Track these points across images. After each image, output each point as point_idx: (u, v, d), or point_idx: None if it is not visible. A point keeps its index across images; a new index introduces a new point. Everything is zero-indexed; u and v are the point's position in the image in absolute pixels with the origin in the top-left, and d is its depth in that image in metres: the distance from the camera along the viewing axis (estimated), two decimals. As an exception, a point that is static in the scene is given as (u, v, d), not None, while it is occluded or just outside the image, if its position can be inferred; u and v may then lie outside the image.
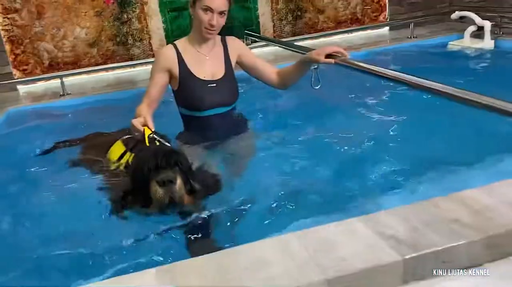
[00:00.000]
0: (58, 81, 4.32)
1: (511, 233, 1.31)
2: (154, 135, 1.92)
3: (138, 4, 4.96)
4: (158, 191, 1.59)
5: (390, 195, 1.72)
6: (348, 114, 2.63)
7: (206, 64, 2.33)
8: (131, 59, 5.05)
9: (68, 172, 2.28)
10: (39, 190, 2.21)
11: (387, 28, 5.63)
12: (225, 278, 1.25)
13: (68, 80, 4.41)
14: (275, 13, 5.40)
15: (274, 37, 5.37)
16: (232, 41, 2.44)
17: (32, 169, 2.48)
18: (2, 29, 4.69)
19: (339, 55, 2.15)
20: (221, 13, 2.18)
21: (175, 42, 2.36)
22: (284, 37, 5.38)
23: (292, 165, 2.06)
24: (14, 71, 4.82)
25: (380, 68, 2.09)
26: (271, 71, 2.42)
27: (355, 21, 5.69)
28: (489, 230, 1.31)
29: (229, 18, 2.31)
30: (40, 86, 4.74)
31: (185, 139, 2.36)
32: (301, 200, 1.71)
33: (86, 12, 4.86)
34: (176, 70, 2.29)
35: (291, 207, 1.65)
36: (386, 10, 5.71)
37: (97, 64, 4.96)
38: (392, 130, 2.32)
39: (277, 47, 4.66)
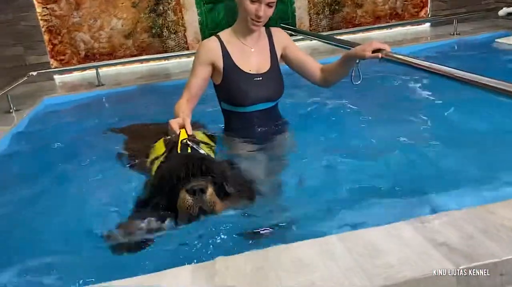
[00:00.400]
0: (93, 71, 4.35)
1: None
2: (188, 141, 1.81)
3: (174, -4, 4.95)
4: (187, 200, 1.49)
5: (437, 198, 1.61)
6: (392, 112, 2.51)
7: (252, 56, 2.23)
8: (166, 51, 5.05)
9: (105, 164, 2.26)
10: (72, 181, 2.21)
11: (428, 24, 5.42)
12: (264, 279, 1.18)
13: (103, 71, 4.44)
14: (312, 7, 5.29)
15: (310, 31, 5.25)
16: (277, 32, 2.34)
17: (67, 159, 2.48)
18: (41, 19, 4.76)
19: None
20: (269, 4, 2.08)
21: (218, 34, 2.26)
22: (321, 32, 5.26)
23: (333, 164, 1.96)
24: (52, 61, 4.89)
25: (428, 62, 1.98)
26: (315, 67, 2.30)
27: (395, 16, 5.51)
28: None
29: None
30: (76, 76, 4.80)
31: (226, 137, 2.29)
32: (343, 200, 1.61)
33: (123, 3, 4.88)
34: (220, 63, 2.19)
35: (332, 208, 1.56)
36: (427, 5, 5.51)
37: (132, 56, 4.97)
38: (441, 129, 2.20)
39: (314, 42, 4.56)
